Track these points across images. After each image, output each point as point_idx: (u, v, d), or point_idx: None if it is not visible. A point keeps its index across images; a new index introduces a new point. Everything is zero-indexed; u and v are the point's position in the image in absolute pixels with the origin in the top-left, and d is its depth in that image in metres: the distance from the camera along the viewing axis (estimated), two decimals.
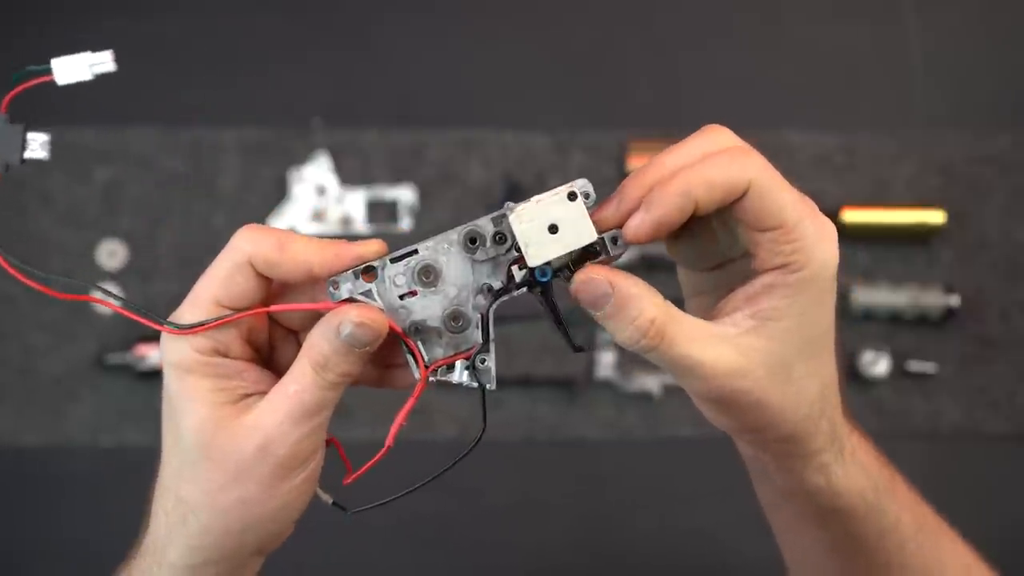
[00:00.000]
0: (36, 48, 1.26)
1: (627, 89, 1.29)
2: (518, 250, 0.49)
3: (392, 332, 0.49)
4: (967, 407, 1.23)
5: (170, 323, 0.49)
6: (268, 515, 0.50)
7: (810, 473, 0.54)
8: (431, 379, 0.50)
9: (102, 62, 0.50)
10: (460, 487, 1.20)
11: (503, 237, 0.49)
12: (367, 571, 1.19)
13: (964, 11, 1.32)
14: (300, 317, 0.52)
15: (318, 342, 0.49)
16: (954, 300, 1.21)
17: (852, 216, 1.22)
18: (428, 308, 0.50)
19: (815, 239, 0.47)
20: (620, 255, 0.50)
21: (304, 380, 0.49)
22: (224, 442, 0.49)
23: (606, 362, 1.20)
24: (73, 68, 0.50)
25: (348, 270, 0.49)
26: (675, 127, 1.23)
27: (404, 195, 1.23)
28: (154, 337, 1.19)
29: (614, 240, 0.49)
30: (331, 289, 0.49)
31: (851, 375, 1.21)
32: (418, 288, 0.50)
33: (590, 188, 0.48)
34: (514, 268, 0.49)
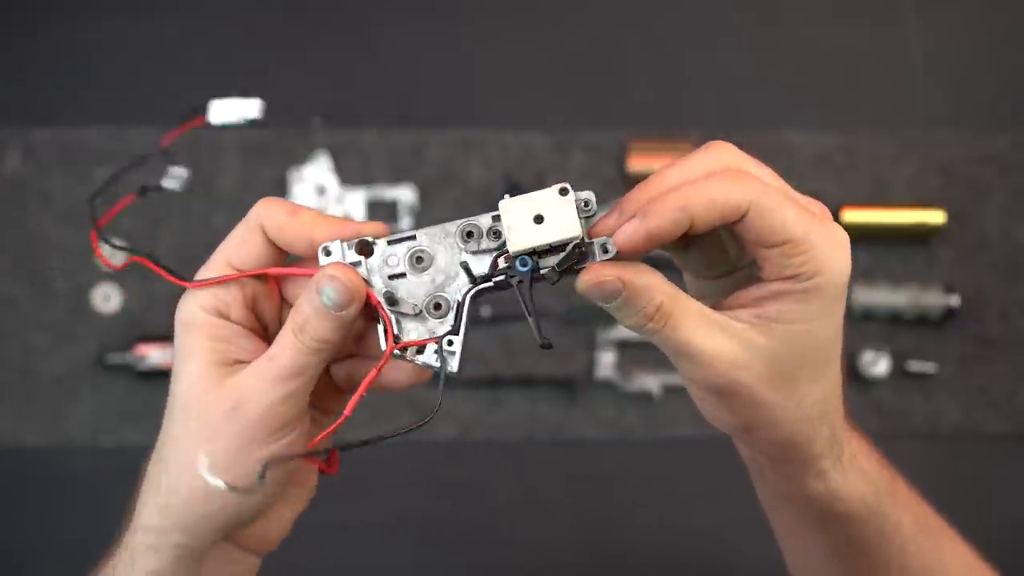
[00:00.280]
0: (36, 48, 1.26)
1: (627, 89, 1.29)
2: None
3: (370, 303, 0.50)
4: (967, 407, 1.23)
5: (176, 274, 0.52)
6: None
7: (808, 478, 0.53)
8: (397, 354, 0.51)
9: (251, 110, 0.57)
10: (460, 487, 1.20)
11: (498, 233, 0.50)
12: (367, 571, 1.19)
13: (964, 11, 1.32)
14: None
15: (300, 304, 0.50)
16: (954, 300, 1.21)
17: (852, 216, 1.22)
18: (413, 292, 0.51)
19: (826, 248, 0.47)
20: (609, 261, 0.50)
21: (283, 342, 0.50)
22: (204, 400, 0.50)
23: (606, 362, 1.20)
24: (226, 111, 0.56)
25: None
26: (675, 127, 1.25)
27: (404, 195, 1.24)
28: (154, 337, 1.19)
29: (604, 247, 0.48)
30: (322, 255, 0.51)
31: (851, 375, 1.21)
32: (408, 271, 0.51)
33: (592, 198, 0.49)
34: (500, 260, 0.50)
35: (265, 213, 0.51)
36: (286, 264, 0.53)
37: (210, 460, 0.49)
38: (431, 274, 0.51)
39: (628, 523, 1.21)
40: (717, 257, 0.52)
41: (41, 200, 1.23)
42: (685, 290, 0.54)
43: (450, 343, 0.50)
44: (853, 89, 1.31)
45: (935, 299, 1.21)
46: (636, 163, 1.22)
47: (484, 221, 0.50)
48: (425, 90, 1.28)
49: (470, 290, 0.51)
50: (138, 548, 0.52)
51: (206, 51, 1.27)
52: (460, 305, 0.51)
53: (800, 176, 1.24)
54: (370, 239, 0.51)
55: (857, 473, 0.55)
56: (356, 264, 0.51)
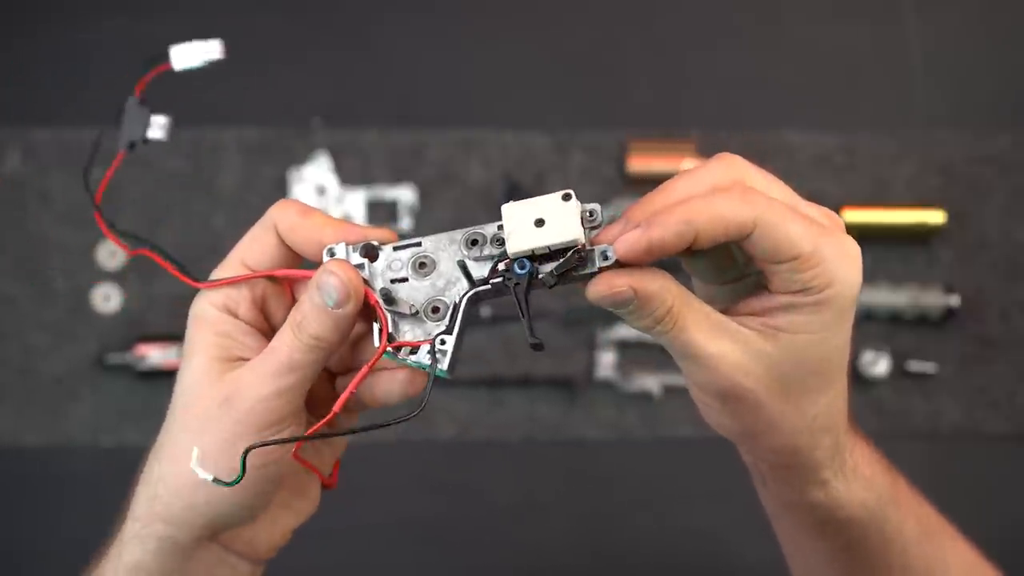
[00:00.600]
0: (36, 48, 1.26)
1: (627, 89, 1.29)
2: None
3: (368, 305, 0.51)
4: (967, 407, 1.23)
5: (187, 272, 0.53)
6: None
7: (809, 486, 0.53)
8: (389, 353, 0.51)
9: (212, 51, 0.58)
10: (460, 487, 1.20)
11: (502, 241, 0.50)
12: (367, 571, 1.19)
13: (964, 11, 1.32)
14: None
15: (300, 302, 0.51)
16: (954, 300, 1.21)
17: (852, 216, 1.22)
18: (413, 296, 0.51)
19: (836, 261, 0.47)
20: (607, 269, 0.49)
21: (281, 338, 0.51)
22: (201, 392, 0.51)
23: (606, 362, 1.20)
24: (188, 55, 0.58)
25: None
26: (675, 127, 1.25)
27: (404, 195, 1.23)
28: (154, 337, 1.19)
29: (604, 254, 0.48)
30: (327, 257, 0.51)
31: (851, 375, 1.21)
32: (411, 276, 0.51)
33: (599, 209, 0.49)
34: (500, 264, 0.50)
35: (279, 214, 0.52)
36: (303, 267, 0.54)
37: (201, 452, 0.49)
38: (432, 279, 0.51)
39: (628, 523, 1.21)
40: (725, 264, 0.51)
41: (41, 200, 1.23)
42: (694, 292, 0.54)
43: (443, 342, 0.50)
44: (853, 89, 1.31)
45: (935, 299, 1.21)
46: (636, 163, 1.22)
47: (489, 230, 0.51)
48: (425, 90, 1.28)
49: (467, 292, 0.51)
50: (125, 538, 0.53)
51: None
52: (456, 307, 0.51)
53: (800, 176, 1.24)
54: (375, 243, 0.52)
55: (859, 482, 0.55)
56: (359, 267, 0.51)
